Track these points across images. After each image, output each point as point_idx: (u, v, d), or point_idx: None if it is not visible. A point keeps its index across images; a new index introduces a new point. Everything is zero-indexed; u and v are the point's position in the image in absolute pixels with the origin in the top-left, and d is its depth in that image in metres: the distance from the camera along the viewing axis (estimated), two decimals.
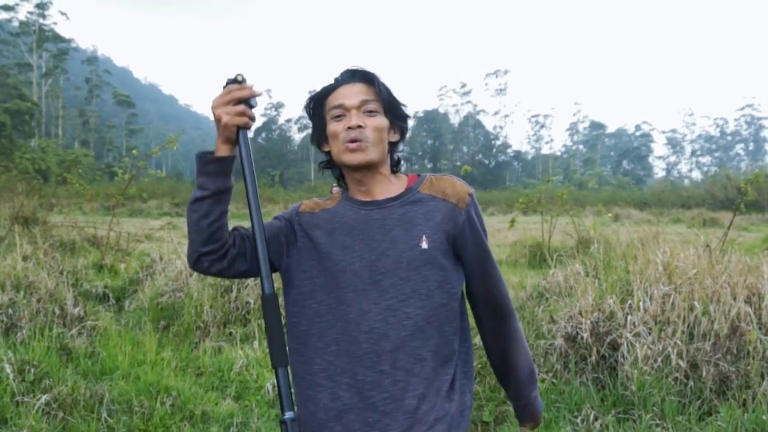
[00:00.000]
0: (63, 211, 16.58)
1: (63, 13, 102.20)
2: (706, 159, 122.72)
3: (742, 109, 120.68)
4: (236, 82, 1.59)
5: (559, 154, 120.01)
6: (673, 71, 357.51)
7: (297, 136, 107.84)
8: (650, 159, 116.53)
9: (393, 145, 1.70)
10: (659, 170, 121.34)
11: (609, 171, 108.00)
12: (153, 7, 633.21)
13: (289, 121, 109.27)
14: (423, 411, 1.54)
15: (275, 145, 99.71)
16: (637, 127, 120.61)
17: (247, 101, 1.58)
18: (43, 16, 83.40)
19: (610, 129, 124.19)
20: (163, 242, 9.60)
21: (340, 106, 1.62)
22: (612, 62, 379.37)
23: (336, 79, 1.68)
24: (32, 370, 4.32)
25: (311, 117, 1.72)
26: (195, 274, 6.78)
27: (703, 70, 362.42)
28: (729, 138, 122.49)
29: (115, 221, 10.46)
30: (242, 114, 1.57)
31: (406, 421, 1.53)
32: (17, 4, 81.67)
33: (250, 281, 6.25)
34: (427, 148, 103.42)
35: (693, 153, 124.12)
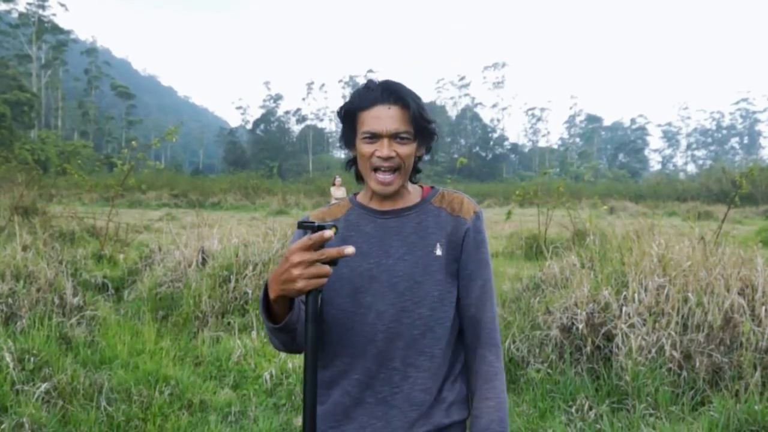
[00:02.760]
0: (62, 201, 16.61)
1: (62, 5, 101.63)
2: (701, 152, 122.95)
3: (737, 103, 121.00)
4: (314, 228, 1.33)
5: (555, 146, 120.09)
6: (668, 65, 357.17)
7: (295, 128, 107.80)
8: (646, 152, 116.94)
9: (419, 158, 1.72)
10: (655, 163, 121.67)
11: (605, 164, 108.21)
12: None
13: (287, 113, 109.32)
14: (429, 404, 1.61)
15: (273, 137, 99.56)
16: (633, 121, 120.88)
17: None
18: (43, 8, 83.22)
19: (607, 122, 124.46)
20: (162, 233, 9.64)
21: (372, 133, 1.60)
22: (608, 56, 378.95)
23: (371, 92, 1.63)
24: (32, 359, 4.34)
25: (342, 121, 1.69)
26: (194, 264, 6.82)
27: (699, 64, 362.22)
28: (724, 131, 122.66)
29: (114, 212, 10.48)
30: (325, 275, 1.33)
31: (412, 413, 1.60)
32: None
33: (249, 271, 6.29)
34: None
35: (688, 146, 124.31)
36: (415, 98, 1.63)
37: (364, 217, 1.72)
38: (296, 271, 1.31)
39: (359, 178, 1.72)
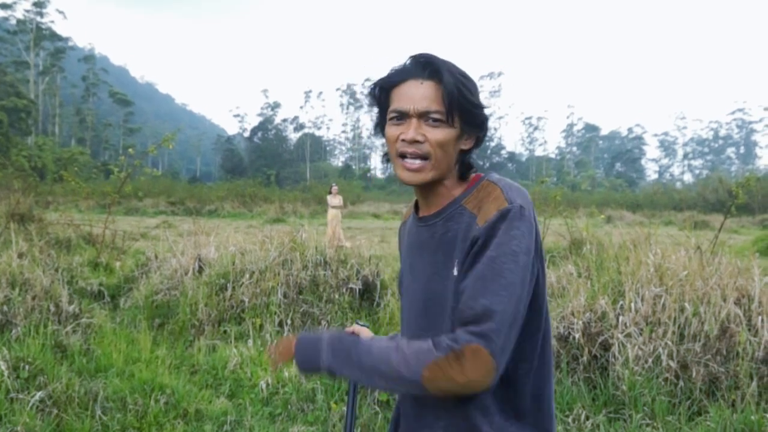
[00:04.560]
0: (59, 208, 16.57)
1: (60, 12, 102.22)
2: (698, 162, 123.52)
3: (734, 113, 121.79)
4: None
5: (552, 155, 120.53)
6: (666, 75, 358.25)
7: (293, 136, 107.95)
8: (643, 161, 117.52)
9: (464, 152, 1.45)
10: (652, 172, 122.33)
11: (602, 173, 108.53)
12: (150, 7, 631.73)
13: (285, 120, 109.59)
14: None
15: (271, 145, 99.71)
16: (630, 130, 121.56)
17: None
18: (41, 15, 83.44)
19: (604, 131, 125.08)
20: (159, 241, 9.63)
21: (399, 112, 1.40)
22: (606, 65, 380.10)
23: (405, 66, 1.43)
24: (27, 367, 4.32)
25: (377, 103, 1.49)
26: (190, 272, 6.80)
27: (696, 74, 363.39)
28: (721, 141, 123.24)
29: (110, 219, 10.47)
30: None
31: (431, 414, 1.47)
32: (15, 2, 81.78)
33: (245, 280, 6.27)
34: None
35: (685, 156, 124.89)
36: (456, 73, 1.38)
37: (411, 222, 1.57)
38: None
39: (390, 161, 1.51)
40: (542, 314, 1.39)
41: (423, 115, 1.37)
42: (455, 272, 1.35)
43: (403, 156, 1.40)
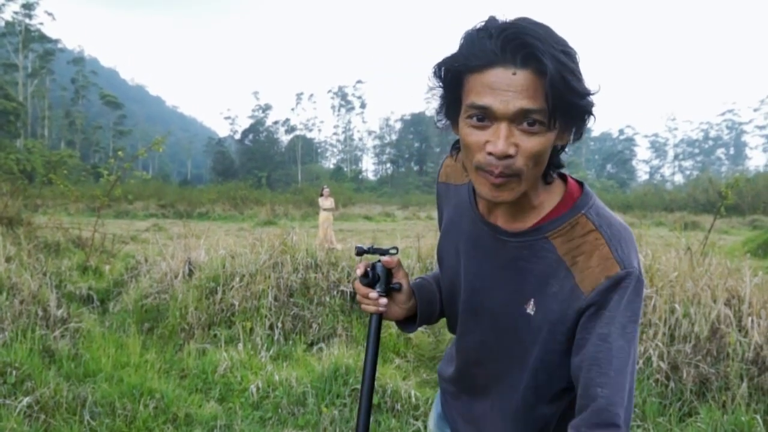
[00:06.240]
0: (48, 212, 16.47)
1: (49, 14, 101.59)
2: (688, 163, 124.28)
3: (724, 114, 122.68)
4: (373, 252, 1.47)
5: None
6: (656, 76, 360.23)
7: (284, 138, 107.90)
8: (634, 162, 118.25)
9: (560, 148, 1.19)
10: (642, 174, 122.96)
11: (593, 174, 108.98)
12: (140, 9, 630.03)
13: (276, 123, 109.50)
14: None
15: (262, 147, 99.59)
16: (621, 132, 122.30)
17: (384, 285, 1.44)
18: (30, 17, 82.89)
19: (595, 133, 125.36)
20: (149, 244, 9.57)
21: (484, 109, 1.05)
22: (596, 66, 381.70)
23: (486, 45, 1.03)
24: (14, 372, 4.28)
25: (442, 85, 1.14)
26: (180, 275, 6.76)
27: (686, 75, 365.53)
28: (711, 142, 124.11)
29: (100, 222, 10.40)
30: (377, 305, 1.43)
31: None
32: (3, 5, 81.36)
33: (236, 283, 6.24)
34: (414, 150, 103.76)
35: (676, 157, 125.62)
36: (559, 55, 1.02)
37: (468, 211, 1.32)
38: (359, 299, 1.46)
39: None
40: None
41: (518, 118, 1.04)
42: (529, 310, 1.19)
43: (487, 170, 1.08)
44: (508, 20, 1.05)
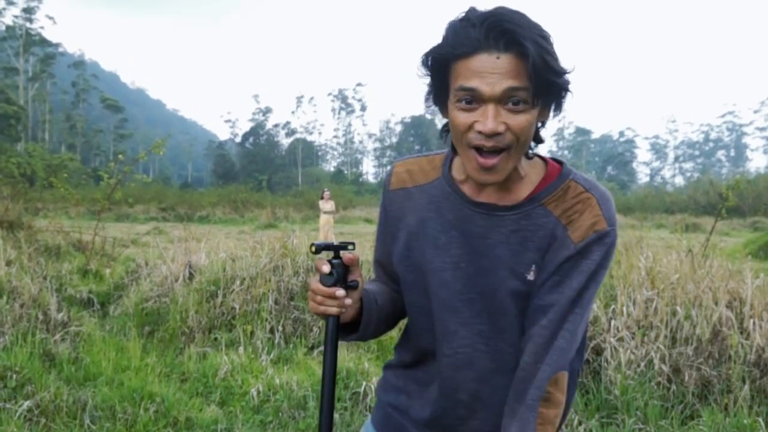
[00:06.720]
0: (48, 215, 16.49)
1: (50, 18, 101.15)
2: (688, 165, 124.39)
3: (724, 116, 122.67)
4: (331, 249, 1.37)
5: None
6: (656, 78, 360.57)
7: (285, 141, 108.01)
8: (634, 164, 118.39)
9: (540, 124, 1.26)
10: (643, 176, 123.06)
11: (594, 176, 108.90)
12: (141, 13, 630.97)
13: (276, 126, 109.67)
14: None
15: (263, 150, 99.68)
16: (622, 133, 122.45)
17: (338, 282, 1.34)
18: (30, 21, 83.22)
19: (595, 135, 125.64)
20: (149, 247, 9.58)
21: (472, 91, 1.13)
22: (597, 68, 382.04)
23: (470, 34, 1.12)
24: (14, 376, 4.28)
25: (430, 72, 1.22)
26: (180, 279, 6.76)
27: (686, 77, 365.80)
28: (711, 144, 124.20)
29: (100, 226, 10.40)
30: (335, 306, 1.34)
31: None
32: (4, 9, 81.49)
33: (236, 286, 6.23)
34: (414, 153, 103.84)
35: (676, 159, 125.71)
36: (539, 39, 1.11)
37: (450, 199, 1.32)
38: (312, 300, 1.34)
39: (455, 149, 1.27)
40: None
41: (504, 99, 1.12)
42: (530, 277, 1.24)
43: (477, 148, 1.17)
44: (487, 10, 1.14)
